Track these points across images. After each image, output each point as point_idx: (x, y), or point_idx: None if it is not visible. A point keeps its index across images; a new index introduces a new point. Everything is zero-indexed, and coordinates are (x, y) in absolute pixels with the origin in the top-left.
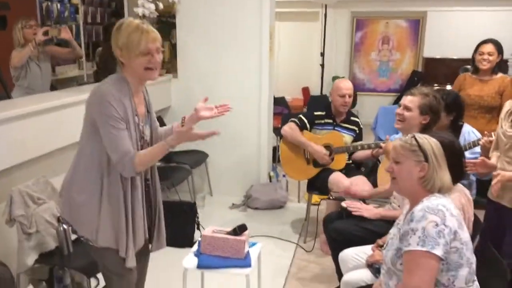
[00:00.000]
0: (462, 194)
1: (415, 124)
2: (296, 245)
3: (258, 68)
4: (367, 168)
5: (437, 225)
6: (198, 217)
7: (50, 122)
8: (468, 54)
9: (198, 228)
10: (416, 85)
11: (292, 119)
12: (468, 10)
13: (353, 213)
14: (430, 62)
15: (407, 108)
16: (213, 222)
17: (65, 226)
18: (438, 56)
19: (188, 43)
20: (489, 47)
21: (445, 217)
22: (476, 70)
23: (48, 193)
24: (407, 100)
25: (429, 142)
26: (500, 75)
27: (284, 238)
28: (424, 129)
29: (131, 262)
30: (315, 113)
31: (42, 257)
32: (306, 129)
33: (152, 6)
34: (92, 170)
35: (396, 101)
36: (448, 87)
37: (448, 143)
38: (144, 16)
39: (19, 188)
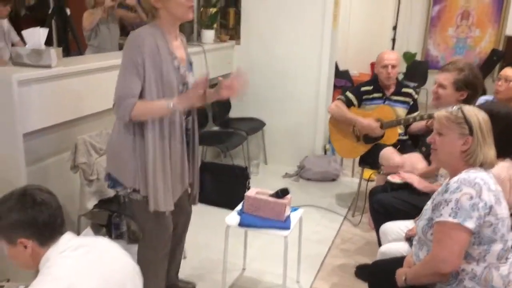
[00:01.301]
0: None
1: (451, 101)
2: (343, 218)
3: (320, 36)
4: (426, 147)
5: (471, 197)
6: (249, 182)
7: (112, 79)
8: None
9: None
10: (495, 65)
11: (339, 97)
12: None
13: (404, 179)
14: None
15: (441, 86)
16: (263, 189)
17: None
18: None
19: (252, 10)
20: None
21: (482, 190)
22: None
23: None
24: (441, 77)
25: (476, 115)
26: None
27: (333, 210)
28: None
29: (161, 206)
30: (362, 88)
31: (101, 203)
32: (354, 105)
33: None
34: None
35: None
36: None
37: (504, 114)
38: None
39: (83, 138)
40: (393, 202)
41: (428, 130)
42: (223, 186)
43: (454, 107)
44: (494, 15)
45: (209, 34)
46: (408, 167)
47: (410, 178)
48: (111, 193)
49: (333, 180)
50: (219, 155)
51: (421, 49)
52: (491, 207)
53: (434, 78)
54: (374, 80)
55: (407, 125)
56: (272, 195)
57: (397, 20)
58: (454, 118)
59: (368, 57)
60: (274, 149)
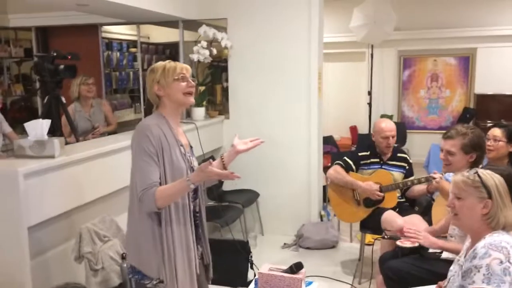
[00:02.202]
0: None
1: (463, 165)
2: (351, 286)
3: (307, 107)
4: (421, 207)
5: (501, 262)
6: (251, 256)
7: (112, 164)
8: None
9: (252, 267)
10: (468, 122)
11: (337, 161)
12: None
13: (410, 239)
14: (482, 99)
15: (450, 153)
16: (265, 261)
17: None
18: (490, 93)
19: (239, 85)
20: None
21: (510, 254)
22: None
23: (113, 231)
24: (448, 144)
25: (493, 178)
26: None
27: (338, 278)
28: (473, 166)
29: None
30: (360, 153)
31: None
32: (352, 170)
33: (207, 52)
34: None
35: None
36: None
37: (507, 174)
38: (199, 62)
39: (87, 226)
40: (406, 267)
41: (429, 194)
42: (225, 263)
43: (470, 171)
44: (462, 76)
45: (200, 112)
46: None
47: (418, 236)
48: (117, 282)
49: (333, 247)
50: (215, 230)
51: (396, 111)
52: None
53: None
54: (371, 146)
55: (405, 189)
56: (286, 271)
57: (371, 85)
58: (471, 182)
59: (347, 121)
60: (270, 220)
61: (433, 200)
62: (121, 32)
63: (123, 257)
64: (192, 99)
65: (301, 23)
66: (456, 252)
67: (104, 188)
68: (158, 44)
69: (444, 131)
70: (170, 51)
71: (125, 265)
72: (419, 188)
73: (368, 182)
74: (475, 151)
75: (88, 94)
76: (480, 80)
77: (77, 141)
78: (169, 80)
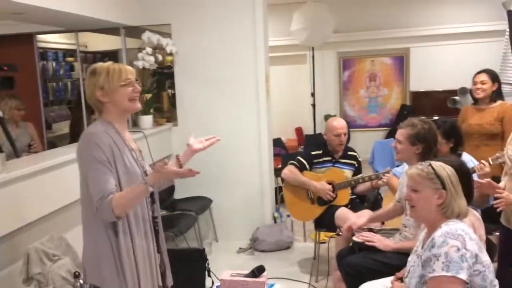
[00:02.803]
0: (472, 214)
1: (410, 154)
2: (308, 285)
3: (256, 111)
4: (369, 202)
5: (458, 249)
6: (208, 264)
7: (57, 179)
8: (450, 86)
9: (209, 275)
10: (405, 119)
11: (291, 161)
12: (447, 44)
13: (366, 243)
14: (416, 96)
15: (398, 141)
16: (221, 268)
17: (81, 281)
18: (423, 90)
19: (186, 92)
20: (482, 76)
21: (465, 241)
22: (475, 100)
23: (62, 249)
24: (397, 133)
25: (445, 169)
26: (499, 102)
27: (296, 278)
28: (422, 158)
29: None
30: (312, 152)
31: None
32: (306, 169)
33: (152, 59)
34: (98, 221)
35: (388, 136)
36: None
37: (457, 166)
38: (144, 69)
39: (35, 246)
40: (364, 262)
41: (374, 190)
42: (181, 272)
43: (424, 163)
44: (397, 74)
45: (147, 120)
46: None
47: (372, 242)
48: None
49: (288, 248)
50: (169, 240)
51: (339, 111)
52: (476, 256)
53: (354, 136)
54: (323, 145)
55: (353, 186)
56: (248, 275)
57: (314, 86)
58: (426, 174)
59: (292, 123)
60: (224, 225)
61: (380, 195)
62: (57, 41)
63: (75, 276)
64: (139, 105)
65: (246, 27)
66: (410, 248)
67: (51, 205)
68: (96, 53)
69: (383, 128)
70: (109, 59)
71: (78, 284)
72: (364, 185)
73: (321, 182)
74: (420, 143)
75: (19, 118)
76: (414, 78)
77: (17, 157)
78: (114, 85)
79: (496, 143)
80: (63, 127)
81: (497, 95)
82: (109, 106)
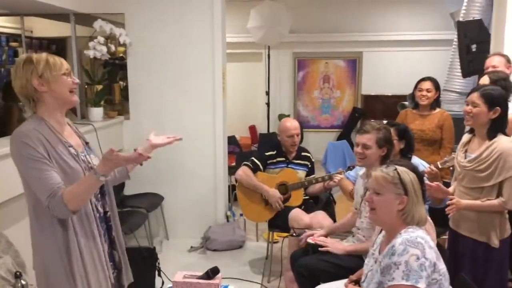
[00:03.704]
0: None
1: (375, 158)
2: (260, 286)
3: (212, 107)
4: (321, 203)
5: (418, 258)
6: (159, 263)
7: None
8: (399, 91)
9: (160, 275)
10: (357, 121)
11: (245, 162)
12: (398, 50)
13: (320, 249)
14: (368, 99)
15: (365, 147)
16: (172, 267)
17: (23, 282)
18: (374, 93)
19: (140, 84)
20: (427, 84)
21: (425, 249)
22: (416, 106)
23: (2, 247)
24: (364, 138)
25: (409, 175)
26: (438, 110)
27: (248, 279)
28: (383, 160)
29: None
30: (266, 153)
31: None
32: (260, 170)
33: (104, 49)
34: (41, 223)
35: (340, 137)
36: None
37: (411, 169)
38: (95, 59)
39: None
40: (318, 264)
41: (326, 190)
42: (131, 272)
43: (389, 167)
44: (350, 77)
45: (97, 112)
46: (316, 225)
47: (325, 244)
48: None
49: (240, 247)
50: None
51: (292, 111)
52: (434, 264)
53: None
54: (277, 145)
55: (306, 187)
56: (202, 277)
57: (268, 85)
58: (391, 178)
59: (246, 121)
60: (175, 223)
61: (332, 196)
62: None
63: (16, 276)
64: (77, 98)
65: (203, 22)
66: (364, 251)
67: None
68: (42, 39)
69: (335, 129)
70: (56, 46)
71: (19, 284)
72: (317, 186)
73: (273, 189)
74: (387, 145)
75: None
76: (366, 82)
77: None
78: (55, 74)
79: (435, 148)
80: None
81: (437, 103)
82: (46, 97)
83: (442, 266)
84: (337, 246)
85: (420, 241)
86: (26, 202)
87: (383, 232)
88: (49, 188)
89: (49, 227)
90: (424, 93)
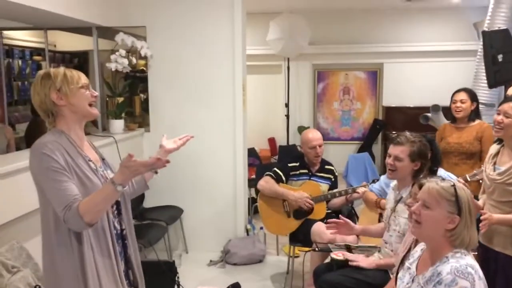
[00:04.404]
0: None
1: (408, 172)
2: None
3: (232, 120)
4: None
5: None
6: (178, 277)
7: (18, 184)
8: (421, 103)
9: None
10: (378, 133)
11: (267, 173)
12: (420, 61)
13: (350, 263)
14: (389, 111)
15: (397, 159)
16: (192, 281)
17: None
18: (395, 105)
19: (160, 97)
20: (462, 95)
21: (475, 281)
22: (454, 119)
23: (22, 260)
24: (397, 150)
25: (466, 194)
26: (477, 121)
27: None
28: (416, 175)
29: None
30: (289, 164)
31: None
32: (282, 181)
33: (125, 61)
34: (59, 238)
35: (360, 149)
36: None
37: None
38: (117, 71)
39: None
40: (343, 281)
41: (348, 204)
42: (150, 286)
43: (446, 182)
44: (371, 89)
45: (118, 124)
46: (339, 240)
47: (356, 260)
48: None
49: (260, 261)
50: (140, 250)
51: (312, 123)
52: None
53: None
54: (300, 157)
55: (329, 200)
56: None
57: (288, 97)
58: (446, 194)
59: (265, 133)
60: (195, 236)
61: (353, 209)
62: (24, 38)
63: None
64: (97, 111)
65: (224, 34)
66: (393, 266)
67: (10, 212)
68: (65, 53)
69: (356, 141)
70: (78, 60)
71: None
72: (339, 199)
73: (299, 191)
74: (420, 160)
75: None
76: (387, 93)
77: None
78: (73, 87)
79: (475, 162)
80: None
81: (476, 114)
82: (65, 110)
83: None
84: (367, 261)
85: (470, 271)
86: (41, 215)
87: (421, 245)
88: (66, 200)
89: (66, 242)
90: (459, 104)
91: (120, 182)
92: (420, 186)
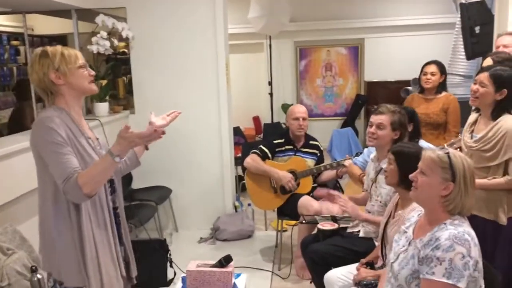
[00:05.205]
0: None
1: (387, 140)
2: (271, 273)
3: (216, 99)
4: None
5: (463, 257)
6: (170, 254)
7: (8, 169)
8: (402, 77)
9: (171, 266)
10: (360, 108)
11: (253, 150)
12: (400, 35)
13: (342, 208)
14: (371, 86)
15: (379, 127)
16: (183, 258)
17: (39, 276)
18: (377, 80)
19: (144, 79)
20: (432, 68)
21: (470, 247)
22: (422, 90)
23: (16, 242)
24: (379, 118)
25: (463, 163)
26: (444, 93)
27: (259, 267)
28: (395, 143)
29: None
30: (275, 141)
31: None
32: (268, 158)
33: (107, 43)
34: (58, 210)
35: (344, 125)
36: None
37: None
38: (98, 54)
39: None
40: (330, 249)
41: (339, 178)
42: (143, 264)
43: (442, 150)
44: (353, 65)
45: (103, 107)
46: (325, 211)
47: (345, 205)
48: None
49: (249, 236)
50: (131, 230)
51: (296, 100)
52: (477, 263)
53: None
54: (285, 134)
55: (316, 175)
56: (215, 265)
57: (271, 76)
58: (439, 161)
59: (249, 112)
60: (184, 215)
61: (338, 182)
62: (0, 23)
63: (32, 270)
64: (96, 87)
65: (205, 13)
66: (378, 222)
67: (3, 196)
68: (43, 36)
69: (339, 117)
70: (57, 43)
71: (35, 279)
72: (329, 174)
73: (284, 171)
74: (400, 129)
75: None
76: (369, 68)
77: None
78: (71, 67)
79: (439, 132)
80: (6, 115)
81: (442, 86)
82: (64, 89)
83: (481, 263)
84: (356, 211)
85: (467, 238)
86: (39, 189)
87: (418, 211)
88: (67, 172)
89: (65, 213)
90: (429, 76)
91: (118, 153)
92: (393, 153)
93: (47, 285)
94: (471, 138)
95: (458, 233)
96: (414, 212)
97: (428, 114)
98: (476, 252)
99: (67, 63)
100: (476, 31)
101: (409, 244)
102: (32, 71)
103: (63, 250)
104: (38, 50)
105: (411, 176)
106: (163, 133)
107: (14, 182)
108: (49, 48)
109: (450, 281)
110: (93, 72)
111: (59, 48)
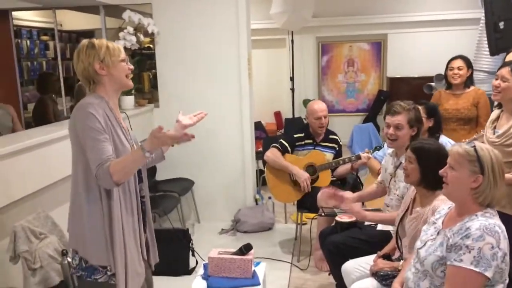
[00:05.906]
0: None
1: (406, 139)
2: (290, 265)
3: (238, 94)
4: (349, 185)
5: (492, 247)
6: (192, 244)
7: (43, 157)
8: (425, 73)
9: (193, 255)
10: (382, 104)
11: (274, 144)
12: (423, 31)
13: (355, 215)
14: (393, 82)
15: (398, 127)
16: (204, 249)
17: (69, 259)
18: (399, 76)
19: (168, 73)
20: (458, 62)
21: (500, 239)
22: (449, 86)
23: (48, 227)
24: (396, 119)
25: (490, 155)
26: (472, 88)
27: (278, 258)
28: (413, 139)
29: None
30: (295, 135)
31: None
32: (288, 152)
33: (134, 38)
34: (90, 194)
35: (365, 120)
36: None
37: (436, 148)
38: (125, 49)
39: (21, 224)
40: (347, 241)
41: (353, 171)
42: (166, 252)
43: (468, 143)
44: (375, 60)
45: (129, 100)
46: (344, 205)
47: (351, 209)
48: (57, 280)
49: (269, 229)
50: (155, 220)
51: (317, 95)
52: (505, 255)
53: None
54: (305, 128)
55: (334, 168)
56: (236, 253)
57: (293, 71)
58: (466, 155)
59: (271, 107)
60: (206, 207)
61: (358, 177)
62: (31, 18)
63: (63, 254)
64: (131, 82)
65: (228, 9)
66: (388, 221)
67: (36, 183)
68: (72, 32)
69: (361, 113)
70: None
71: (65, 262)
72: (344, 167)
73: (302, 170)
74: (417, 125)
75: None
76: (391, 64)
77: None
78: (115, 59)
79: (471, 127)
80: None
81: (470, 81)
82: (105, 79)
83: (508, 257)
84: (360, 213)
85: (497, 230)
86: (73, 173)
87: (448, 204)
88: (101, 158)
89: (97, 197)
90: (456, 71)
91: (149, 149)
92: (412, 149)
93: (72, 261)
94: (494, 134)
95: (489, 224)
96: (445, 205)
97: (459, 109)
98: (505, 244)
99: (111, 56)
100: (500, 26)
101: (438, 233)
102: (78, 59)
103: (93, 231)
104: (85, 41)
105: (441, 171)
106: (193, 136)
107: (46, 170)
108: (95, 40)
109: (477, 269)
110: (131, 67)
111: (104, 41)
